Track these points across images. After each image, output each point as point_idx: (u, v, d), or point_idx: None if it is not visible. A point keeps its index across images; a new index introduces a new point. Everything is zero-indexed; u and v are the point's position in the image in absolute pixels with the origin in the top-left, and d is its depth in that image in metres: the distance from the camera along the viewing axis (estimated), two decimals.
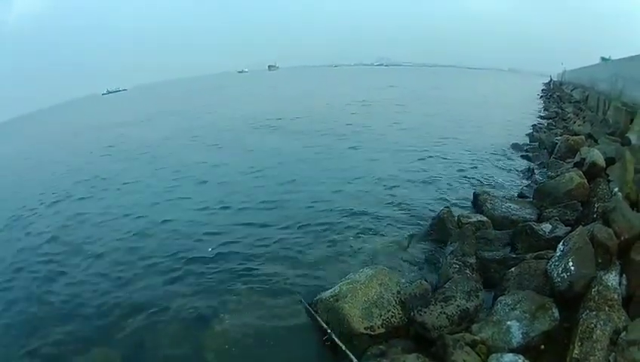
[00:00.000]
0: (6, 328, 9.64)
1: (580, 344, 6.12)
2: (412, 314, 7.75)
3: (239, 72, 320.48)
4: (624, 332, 5.99)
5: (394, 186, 17.65)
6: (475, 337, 6.84)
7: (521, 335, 6.77)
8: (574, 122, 28.36)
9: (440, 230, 12.46)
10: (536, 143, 25.33)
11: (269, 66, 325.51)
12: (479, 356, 6.49)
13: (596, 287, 7.03)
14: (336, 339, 7.24)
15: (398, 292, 8.25)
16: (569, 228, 10.57)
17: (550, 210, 12.51)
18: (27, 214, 18.29)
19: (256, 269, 11.02)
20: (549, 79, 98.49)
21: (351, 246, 12.02)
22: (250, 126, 37.61)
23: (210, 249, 12.41)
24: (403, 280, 9.26)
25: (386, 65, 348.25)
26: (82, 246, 13.70)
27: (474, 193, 14.99)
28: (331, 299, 8.07)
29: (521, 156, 22.89)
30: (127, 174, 23.66)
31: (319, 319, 7.84)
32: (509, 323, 6.99)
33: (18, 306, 10.55)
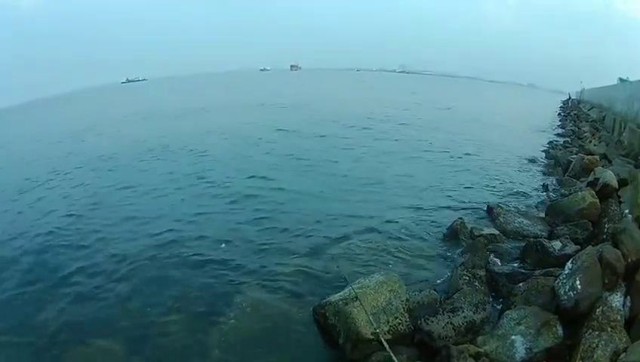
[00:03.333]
0: (6, 314, 9.77)
1: None
2: (419, 322, 7.83)
3: (261, 69, 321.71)
4: (623, 354, 6.07)
5: (408, 194, 17.76)
6: (480, 349, 6.94)
7: (524, 351, 6.87)
8: (590, 141, 28.39)
9: (452, 240, 12.64)
10: (552, 160, 25.28)
11: (291, 66, 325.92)
12: None
13: (601, 307, 7.10)
14: (385, 343, 7.14)
15: (407, 300, 8.32)
16: (578, 246, 10.63)
17: (561, 227, 12.58)
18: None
19: (267, 268, 11.12)
20: (568, 97, 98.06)
21: (362, 251, 12.09)
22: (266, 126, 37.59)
23: (223, 245, 12.53)
24: (412, 288, 9.38)
25: (407, 73, 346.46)
26: (90, 235, 13.90)
27: (488, 206, 15.11)
28: (340, 303, 8.08)
29: (537, 172, 22.95)
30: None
31: (371, 318, 7.69)
32: (513, 337, 7.08)
33: (19, 292, 10.71)
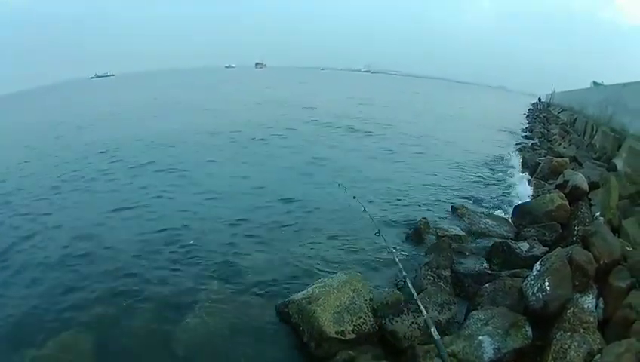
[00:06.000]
0: None
1: None
2: (384, 322, 7.75)
3: (226, 66, 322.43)
4: (598, 355, 6.02)
5: (370, 193, 17.51)
6: (446, 349, 6.75)
7: (492, 351, 6.76)
8: (559, 144, 28.64)
9: (416, 240, 12.54)
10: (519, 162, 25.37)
11: (256, 64, 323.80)
12: None
13: (572, 309, 7.08)
14: (410, 284, 7.35)
15: (371, 299, 8.17)
16: (547, 248, 10.66)
17: (528, 229, 12.56)
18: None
19: (233, 265, 10.93)
20: (538, 99, 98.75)
21: (326, 250, 11.95)
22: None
23: (191, 241, 12.27)
24: (376, 288, 9.22)
25: (372, 73, 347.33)
26: (61, 226, 13.65)
27: (452, 206, 15.05)
28: (303, 301, 7.99)
29: (503, 173, 22.98)
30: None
31: (396, 259, 8.12)
32: (480, 338, 6.98)
33: None
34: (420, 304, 6.68)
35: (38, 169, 21.88)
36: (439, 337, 5.84)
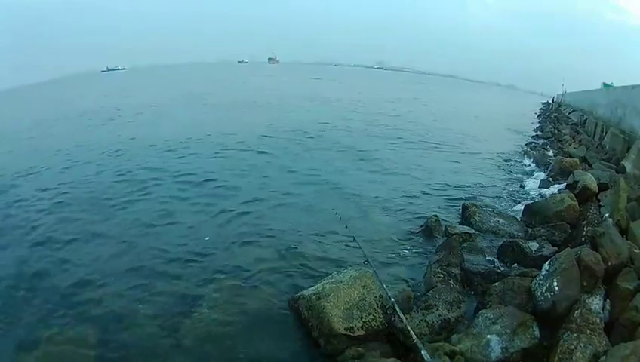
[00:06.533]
0: None
1: None
2: (393, 319, 7.72)
3: (239, 61, 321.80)
4: (603, 357, 5.99)
5: (382, 189, 17.64)
6: (454, 348, 6.83)
7: (500, 350, 6.77)
8: (570, 144, 28.48)
9: (426, 238, 12.61)
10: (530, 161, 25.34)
11: (269, 59, 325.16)
12: None
13: (579, 310, 7.07)
14: (399, 311, 7.22)
15: (381, 296, 8.20)
16: (556, 248, 10.63)
17: (538, 228, 12.55)
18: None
19: (242, 260, 10.96)
20: (552, 99, 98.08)
21: (336, 246, 11.99)
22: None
23: (207, 237, 12.31)
24: (386, 285, 9.21)
25: (384, 69, 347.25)
26: (70, 221, 13.65)
27: (463, 205, 14.92)
28: (313, 297, 8.03)
29: (513, 172, 22.93)
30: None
31: (385, 288, 7.90)
32: (488, 336, 6.98)
33: None
34: (410, 330, 6.63)
35: (40, 171, 21.62)
36: (430, 359, 5.85)
